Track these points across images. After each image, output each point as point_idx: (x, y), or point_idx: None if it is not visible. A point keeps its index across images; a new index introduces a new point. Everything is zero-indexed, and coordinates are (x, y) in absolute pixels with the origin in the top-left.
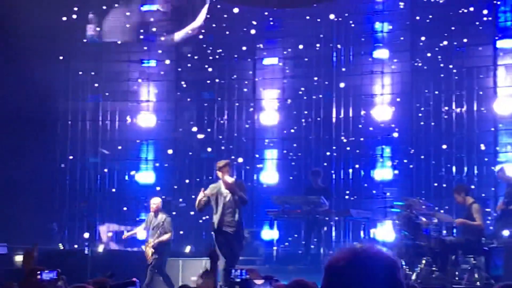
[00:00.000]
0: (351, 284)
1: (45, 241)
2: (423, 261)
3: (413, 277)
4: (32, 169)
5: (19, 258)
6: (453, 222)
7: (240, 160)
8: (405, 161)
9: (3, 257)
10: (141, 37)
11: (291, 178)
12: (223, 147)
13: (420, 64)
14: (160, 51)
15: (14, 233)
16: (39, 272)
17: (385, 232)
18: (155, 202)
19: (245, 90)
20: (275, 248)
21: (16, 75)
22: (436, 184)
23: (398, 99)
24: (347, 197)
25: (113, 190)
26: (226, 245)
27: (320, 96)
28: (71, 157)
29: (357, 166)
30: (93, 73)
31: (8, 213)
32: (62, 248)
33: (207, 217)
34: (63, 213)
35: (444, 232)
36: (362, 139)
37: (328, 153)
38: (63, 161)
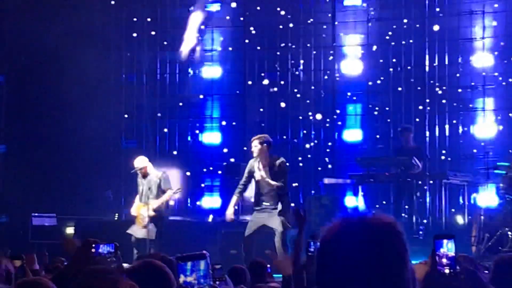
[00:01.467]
0: (346, 256)
1: (99, 211)
2: None
3: None
4: (81, 130)
5: (69, 230)
6: None
7: (319, 116)
8: (510, 114)
9: (52, 229)
10: None
11: (377, 136)
12: (298, 102)
13: None
14: None
15: (64, 203)
16: (94, 246)
17: (487, 197)
18: (142, 164)
19: (323, 35)
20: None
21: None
22: None
23: (502, 43)
24: (443, 157)
25: (174, 152)
26: None
27: (411, 41)
28: (126, 115)
29: (454, 121)
30: (149, 19)
31: (57, 181)
32: (117, 218)
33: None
34: (118, 179)
35: None
36: (460, 90)
37: (420, 107)
38: (116, 120)
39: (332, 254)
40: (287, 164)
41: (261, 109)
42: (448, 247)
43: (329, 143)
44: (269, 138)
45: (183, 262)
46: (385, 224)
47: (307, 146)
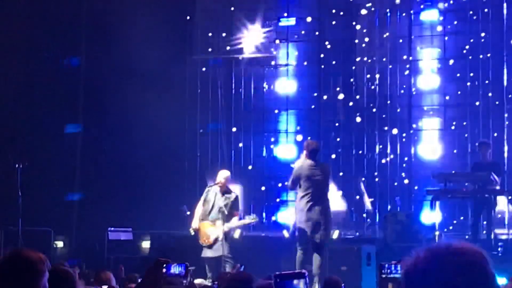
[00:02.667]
0: None
1: (175, 226)
2: None
3: None
4: (160, 146)
5: (145, 245)
6: None
7: (395, 131)
8: None
9: (128, 243)
10: None
11: (454, 151)
12: (374, 117)
13: None
14: (299, 7)
15: (140, 217)
16: (165, 265)
17: None
18: (225, 175)
19: (399, 49)
20: (437, 233)
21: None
22: None
23: None
24: None
25: (250, 167)
26: None
27: (488, 55)
28: (201, 131)
29: None
30: (224, 34)
31: (135, 195)
32: (193, 234)
33: (358, 197)
34: (194, 194)
35: None
36: None
37: (498, 122)
38: (192, 135)
39: (418, 286)
40: None
41: (336, 124)
42: None
43: (405, 158)
44: None
45: (282, 280)
46: (472, 253)
47: (383, 161)
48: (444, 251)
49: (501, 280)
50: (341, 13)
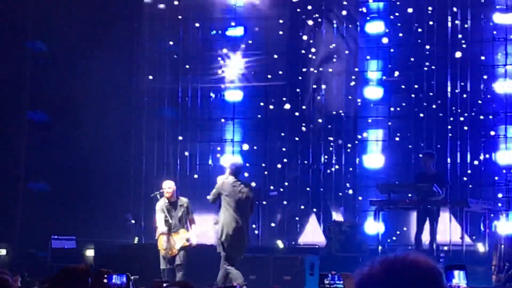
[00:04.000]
0: None
1: (119, 234)
2: None
3: None
4: (105, 154)
5: (89, 253)
6: None
7: (340, 141)
8: None
9: (72, 252)
10: None
11: (399, 162)
12: (319, 127)
13: None
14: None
15: (84, 225)
16: (106, 276)
17: (508, 226)
18: (171, 186)
19: (346, 61)
20: (380, 245)
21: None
22: None
23: None
24: (464, 184)
25: (195, 176)
26: None
27: (433, 67)
28: (146, 140)
29: (476, 148)
30: (171, 42)
31: (79, 203)
32: (137, 242)
33: (303, 207)
34: (139, 202)
35: None
36: (482, 117)
37: (442, 134)
38: (138, 144)
39: None
40: None
41: (282, 134)
42: (460, 278)
43: (350, 169)
44: None
45: None
46: (428, 268)
47: (328, 171)
48: (400, 263)
49: None
50: (288, 23)
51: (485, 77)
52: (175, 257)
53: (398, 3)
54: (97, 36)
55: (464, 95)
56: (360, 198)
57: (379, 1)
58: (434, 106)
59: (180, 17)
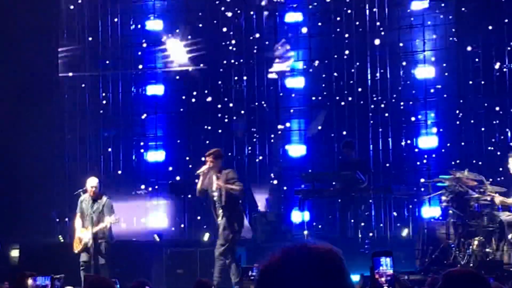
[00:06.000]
0: (287, 287)
1: (44, 233)
2: (475, 242)
3: (464, 260)
4: (27, 152)
5: (14, 254)
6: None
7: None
8: (452, 127)
9: None
10: None
11: (322, 151)
12: (242, 118)
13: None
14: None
15: (8, 225)
16: (31, 278)
17: (431, 210)
18: (93, 183)
19: (266, 51)
20: (306, 232)
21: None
22: (488, 152)
23: (442, 56)
24: (387, 171)
25: (119, 172)
26: None
27: (353, 55)
28: (69, 136)
29: (397, 134)
30: (90, 38)
31: (2, 202)
32: (63, 240)
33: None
34: (63, 200)
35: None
36: (402, 103)
37: (363, 121)
38: (60, 142)
39: (273, 285)
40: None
41: (205, 127)
42: (386, 265)
43: (273, 159)
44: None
45: None
46: (325, 252)
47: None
48: (299, 251)
49: (355, 277)
50: (208, 15)
51: (404, 63)
52: (88, 250)
53: None
54: (15, 36)
55: (384, 82)
56: (285, 188)
57: None
58: (354, 94)
59: (99, 12)
